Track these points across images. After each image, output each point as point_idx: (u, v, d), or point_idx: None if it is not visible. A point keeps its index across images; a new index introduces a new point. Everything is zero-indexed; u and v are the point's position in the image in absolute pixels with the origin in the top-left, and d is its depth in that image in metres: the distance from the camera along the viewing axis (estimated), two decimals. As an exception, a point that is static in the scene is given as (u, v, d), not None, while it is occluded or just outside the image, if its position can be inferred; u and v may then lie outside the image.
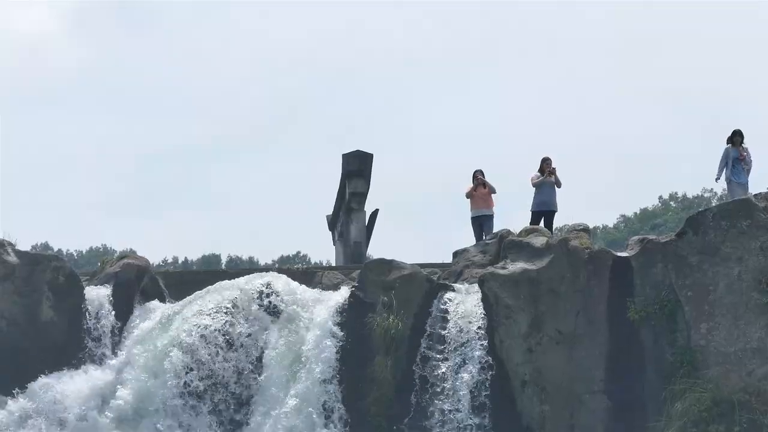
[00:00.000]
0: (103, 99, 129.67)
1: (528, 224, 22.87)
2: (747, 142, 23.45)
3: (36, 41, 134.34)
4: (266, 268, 24.07)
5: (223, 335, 20.10)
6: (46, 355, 20.41)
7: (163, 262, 74.87)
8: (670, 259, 19.25)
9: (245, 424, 19.74)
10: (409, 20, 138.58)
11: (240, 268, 43.54)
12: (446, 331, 19.81)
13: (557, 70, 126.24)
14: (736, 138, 23.10)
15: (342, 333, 20.02)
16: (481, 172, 24.54)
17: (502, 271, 19.93)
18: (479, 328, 19.67)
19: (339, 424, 19.38)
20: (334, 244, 32.40)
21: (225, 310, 20.34)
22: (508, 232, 21.54)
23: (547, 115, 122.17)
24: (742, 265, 18.77)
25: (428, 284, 20.52)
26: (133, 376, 20.03)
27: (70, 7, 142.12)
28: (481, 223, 24.34)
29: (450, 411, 19.17)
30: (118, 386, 19.99)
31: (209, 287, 21.10)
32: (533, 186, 24.03)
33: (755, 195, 19.90)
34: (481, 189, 24.35)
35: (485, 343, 19.56)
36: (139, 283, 21.68)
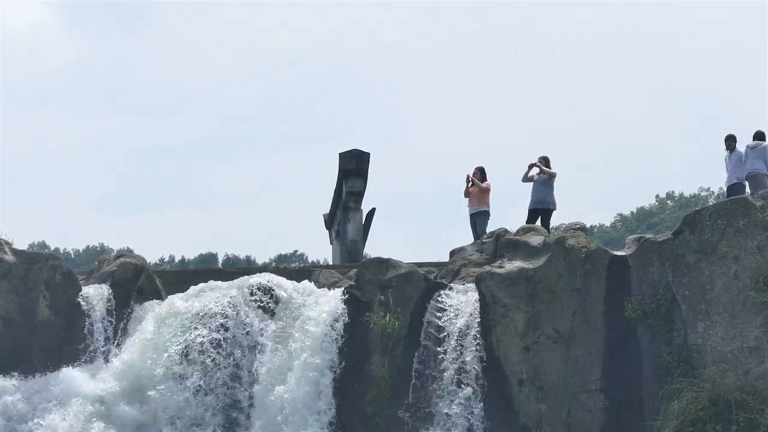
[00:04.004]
0: (101, 97, 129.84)
1: (524, 223, 22.89)
2: (743, 142, 23.58)
3: (29, 38, 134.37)
4: (263, 267, 24.02)
5: (220, 334, 20.09)
6: (42, 354, 20.38)
7: (160, 260, 74.91)
8: (667, 258, 19.26)
9: (242, 424, 19.71)
10: (405, 19, 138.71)
11: (237, 266, 43.49)
12: (443, 330, 19.80)
13: (555, 69, 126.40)
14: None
15: (339, 332, 19.99)
16: (479, 169, 24.60)
17: (499, 270, 19.94)
18: (476, 327, 19.65)
19: (335, 423, 19.37)
20: (331, 243, 32.37)
21: (222, 310, 20.32)
22: (505, 231, 21.53)
23: (544, 113, 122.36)
24: (739, 264, 18.77)
25: (425, 283, 20.50)
26: (130, 375, 20.01)
27: (63, 7, 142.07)
28: (475, 220, 24.48)
29: (446, 410, 19.17)
30: (115, 386, 19.96)
31: (205, 286, 21.08)
32: (523, 182, 24.16)
33: (752, 194, 19.92)
34: (473, 187, 24.46)
35: (482, 342, 19.56)
36: (136, 281, 21.64)
